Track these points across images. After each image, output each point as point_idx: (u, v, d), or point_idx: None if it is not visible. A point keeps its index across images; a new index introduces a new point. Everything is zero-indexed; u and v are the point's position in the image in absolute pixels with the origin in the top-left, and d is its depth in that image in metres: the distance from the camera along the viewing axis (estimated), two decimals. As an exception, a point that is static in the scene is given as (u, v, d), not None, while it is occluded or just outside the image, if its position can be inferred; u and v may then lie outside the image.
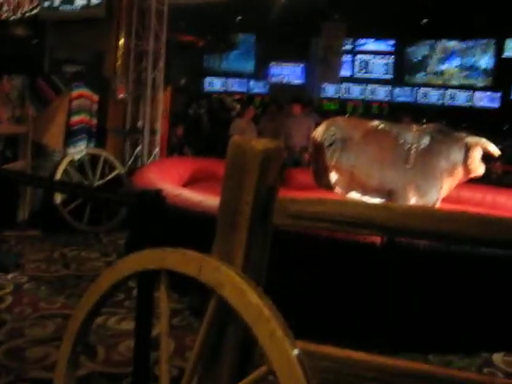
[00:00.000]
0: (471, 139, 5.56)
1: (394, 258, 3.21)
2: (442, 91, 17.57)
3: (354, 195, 5.58)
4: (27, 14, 9.19)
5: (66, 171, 6.47)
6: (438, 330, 3.24)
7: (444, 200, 5.72)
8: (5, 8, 10.08)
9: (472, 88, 17.16)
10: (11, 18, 9.94)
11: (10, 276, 4.73)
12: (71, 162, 6.56)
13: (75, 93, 6.57)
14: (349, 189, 5.61)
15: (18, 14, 9.57)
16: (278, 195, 1.55)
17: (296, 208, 1.49)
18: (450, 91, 17.49)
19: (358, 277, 3.21)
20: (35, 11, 8.50)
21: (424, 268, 3.09)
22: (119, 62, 7.10)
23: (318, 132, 5.73)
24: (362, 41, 18.26)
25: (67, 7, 7.19)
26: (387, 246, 3.14)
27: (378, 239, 3.21)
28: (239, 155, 1.49)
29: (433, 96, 17.74)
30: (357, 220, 1.43)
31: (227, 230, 1.52)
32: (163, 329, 1.60)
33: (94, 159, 6.80)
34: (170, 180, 5.85)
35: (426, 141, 5.55)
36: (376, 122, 5.77)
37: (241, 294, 1.38)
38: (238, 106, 13.21)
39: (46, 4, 7.36)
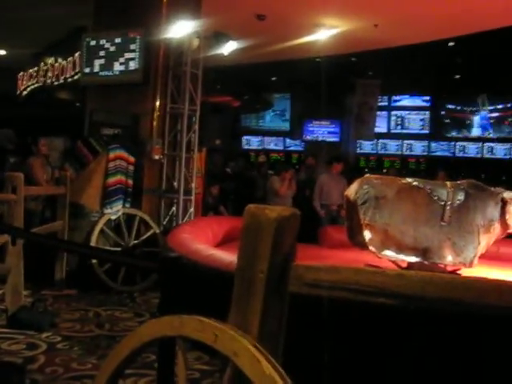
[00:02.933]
0: (507, 194, 5.48)
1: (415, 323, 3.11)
2: (479, 144, 17.43)
3: (388, 254, 5.50)
4: (69, 80, 9.61)
5: (102, 231, 6.60)
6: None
7: (482, 257, 5.59)
8: (49, 74, 10.57)
9: (511, 140, 16.98)
10: (55, 83, 10.41)
11: (44, 335, 4.77)
12: (108, 222, 6.69)
13: (112, 155, 6.76)
14: (383, 247, 5.53)
15: (61, 80, 10.02)
16: (293, 263, 1.55)
17: (311, 276, 1.48)
18: (488, 144, 17.34)
19: (381, 343, 3.12)
20: (77, 77, 8.88)
21: (443, 334, 2.99)
22: (155, 125, 7.29)
23: (351, 190, 5.72)
24: (397, 97, 18.37)
25: (106, 73, 7.47)
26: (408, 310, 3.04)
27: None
28: (254, 223, 1.50)
29: (471, 149, 17.61)
30: (374, 289, 1.41)
31: (243, 298, 1.52)
32: (181, 397, 1.59)
33: (129, 219, 6.93)
34: (204, 239, 5.89)
35: (461, 197, 5.48)
36: (409, 179, 5.73)
37: (255, 363, 1.37)
38: (263, 160, 13.28)
39: (87, 70, 7.66)
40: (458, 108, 17.82)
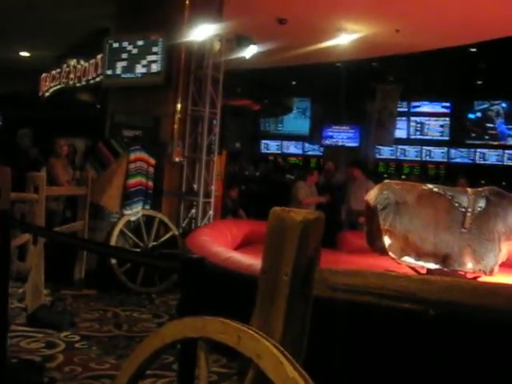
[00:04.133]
0: (529, 201, 5.42)
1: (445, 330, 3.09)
2: (499, 152, 17.26)
3: (408, 260, 5.46)
4: (91, 81, 9.70)
5: (121, 232, 6.64)
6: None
7: (503, 264, 5.53)
8: (71, 75, 10.68)
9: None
10: (77, 85, 10.51)
11: (63, 334, 4.81)
12: (127, 224, 6.73)
13: (133, 156, 6.80)
14: (403, 253, 5.49)
15: (83, 82, 10.12)
16: (317, 266, 1.54)
17: (336, 280, 1.48)
18: (508, 151, 17.16)
19: (405, 348, 3.10)
20: (99, 79, 8.96)
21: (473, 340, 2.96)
22: (176, 127, 7.33)
23: (371, 195, 5.69)
24: (416, 103, 18.27)
25: (128, 75, 7.53)
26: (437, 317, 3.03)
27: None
28: (279, 225, 1.51)
29: (491, 156, 17.44)
30: (398, 293, 1.41)
31: (267, 300, 1.52)
32: (202, 398, 1.59)
33: (149, 221, 6.96)
34: (223, 242, 5.91)
35: (481, 204, 5.43)
36: (430, 185, 5.69)
37: (278, 366, 1.37)
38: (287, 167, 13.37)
39: (109, 72, 7.73)
40: (479, 115, 17.67)
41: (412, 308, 1.39)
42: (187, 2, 7.32)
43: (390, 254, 5.53)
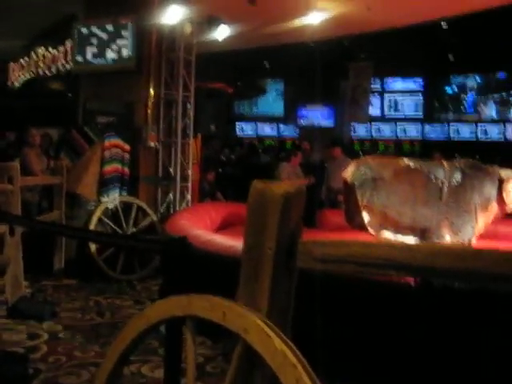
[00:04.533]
0: (504, 172, 5.49)
1: (428, 299, 3.13)
2: (473, 126, 17.41)
3: (387, 235, 5.51)
4: (61, 69, 9.53)
5: (100, 220, 6.58)
6: (472, 376, 3.12)
7: (481, 236, 5.60)
8: (40, 64, 10.49)
9: (504, 121, 16.96)
10: (47, 73, 10.33)
11: (45, 325, 4.77)
12: (105, 211, 6.67)
13: (107, 143, 6.72)
14: (381, 228, 5.55)
15: (53, 70, 9.94)
16: (301, 239, 1.54)
17: (320, 251, 1.47)
18: (481, 126, 17.31)
19: (390, 319, 3.14)
20: (69, 66, 8.81)
21: (460, 309, 3.01)
22: (150, 112, 7.25)
23: (349, 172, 5.71)
24: (390, 80, 18.32)
25: (99, 61, 7.42)
26: (421, 287, 3.07)
27: (411, 279, 3.14)
28: (260, 200, 1.49)
29: (465, 132, 17.58)
30: (383, 261, 1.41)
31: (251, 275, 1.51)
32: (190, 377, 1.59)
33: (126, 207, 6.91)
34: (202, 225, 5.89)
35: (457, 177, 5.49)
36: (406, 160, 5.73)
37: (266, 339, 1.37)
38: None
39: (79, 58, 7.60)
40: (451, 90, 17.79)
41: (397, 275, 1.39)
42: (156, -15, 7.21)
43: (369, 229, 5.58)
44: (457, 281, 1.36)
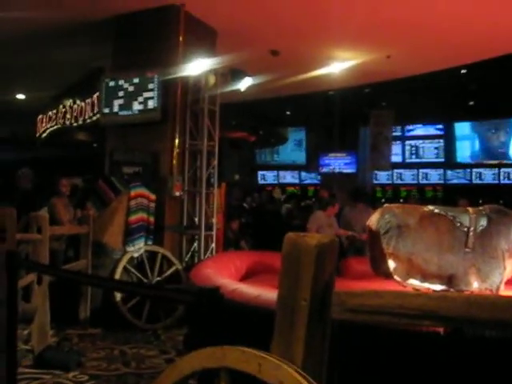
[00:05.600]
0: (530, 217, 5.43)
1: (459, 348, 3.08)
2: (495, 170, 17.33)
3: (413, 282, 5.44)
4: (88, 120, 9.77)
5: (125, 269, 6.62)
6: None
7: (508, 282, 5.52)
8: (68, 116, 10.76)
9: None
10: (74, 125, 10.58)
11: (70, 375, 4.75)
12: (130, 260, 6.72)
13: (133, 192, 6.82)
14: (408, 276, 5.48)
15: (80, 121, 10.18)
16: (334, 289, 1.55)
17: (354, 302, 1.48)
18: (504, 169, 17.22)
19: (422, 368, 3.09)
20: (95, 117, 9.02)
21: (491, 357, 2.95)
22: (175, 162, 7.37)
23: (373, 220, 5.69)
24: (410, 126, 18.42)
25: (125, 112, 7.60)
26: (451, 336, 3.03)
27: (440, 328, 3.10)
28: (294, 251, 1.52)
29: (487, 176, 17.49)
30: (418, 312, 1.41)
31: (286, 326, 1.52)
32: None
33: (152, 256, 6.95)
34: (227, 274, 5.88)
35: (483, 222, 5.44)
36: (430, 207, 5.70)
37: (302, 391, 1.37)
38: (283, 197, 13.40)
39: (106, 110, 7.80)
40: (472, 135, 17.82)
41: (432, 325, 1.40)
42: (181, 39, 7.43)
43: (396, 277, 5.51)
44: (491, 329, 1.35)
